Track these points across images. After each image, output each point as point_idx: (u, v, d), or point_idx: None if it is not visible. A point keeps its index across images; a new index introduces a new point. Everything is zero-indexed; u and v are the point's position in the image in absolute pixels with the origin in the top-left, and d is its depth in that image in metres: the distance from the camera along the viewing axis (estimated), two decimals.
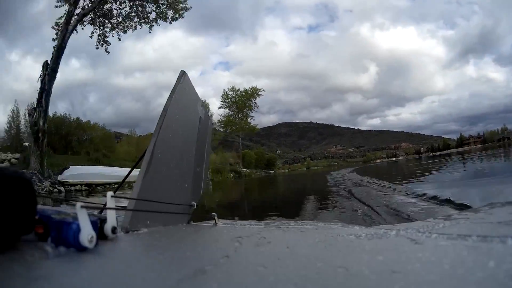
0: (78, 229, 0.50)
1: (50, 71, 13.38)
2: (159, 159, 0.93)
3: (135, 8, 15.63)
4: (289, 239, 0.87)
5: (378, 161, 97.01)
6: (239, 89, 31.53)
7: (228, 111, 32.82)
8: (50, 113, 17.80)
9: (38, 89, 13.19)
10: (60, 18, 14.33)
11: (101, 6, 15.19)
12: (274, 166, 56.64)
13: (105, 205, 0.65)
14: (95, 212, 0.83)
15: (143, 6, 15.70)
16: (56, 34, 14.19)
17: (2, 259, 0.43)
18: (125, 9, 15.60)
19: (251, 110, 32.61)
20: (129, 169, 1.23)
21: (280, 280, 0.41)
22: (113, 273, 0.45)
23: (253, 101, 31.47)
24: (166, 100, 1.02)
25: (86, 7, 14.41)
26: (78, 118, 27.84)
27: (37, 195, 0.49)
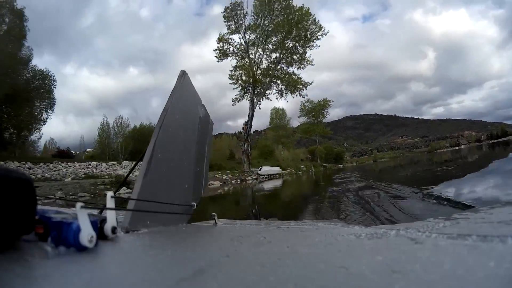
0: (78, 229, 0.50)
1: (249, 124, 22.56)
2: (159, 159, 0.93)
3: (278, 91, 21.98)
4: (289, 239, 0.87)
5: (442, 150, 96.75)
6: (313, 101, 34.82)
7: (306, 119, 36.38)
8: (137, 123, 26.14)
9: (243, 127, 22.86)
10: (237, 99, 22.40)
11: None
12: (342, 160, 58.49)
13: (105, 205, 0.65)
14: (95, 212, 0.83)
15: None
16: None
17: (2, 259, 0.43)
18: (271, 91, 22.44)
19: (324, 117, 36.95)
20: None
21: (280, 280, 0.41)
22: (113, 273, 0.45)
23: (325, 110, 35.01)
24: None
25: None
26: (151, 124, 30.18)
27: (37, 195, 0.49)
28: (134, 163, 1.28)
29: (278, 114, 34.91)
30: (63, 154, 22.52)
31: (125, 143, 27.27)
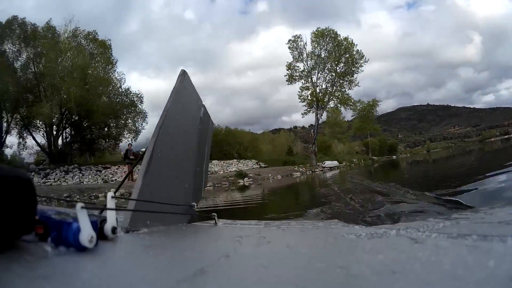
0: (78, 229, 0.50)
1: (316, 132, 27.03)
2: (159, 159, 0.92)
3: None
4: (289, 239, 0.87)
5: (492, 139, 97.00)
6: (363, 101, 36.97)
7: (357, 115, 38.54)
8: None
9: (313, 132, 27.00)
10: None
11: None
12: (396, 151, 59.75)
13: (105, 205, 0.65)
14: (96, 212, 0.83)
15: None
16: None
17: (2, 259, 0.43)
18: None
19: (374, 116, 39.71)
20: None
21: (280, 280, 0.41)
22: (113, 273, 0.45)
23: (375, 109, 37.04)
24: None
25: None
26: (227, 127, 34.38)
27: (37, 195, 0.49)
28: (136, 162, 1.27)
29: (334, 113, 36.98)
30: (137, 157, 23.91)
31: None
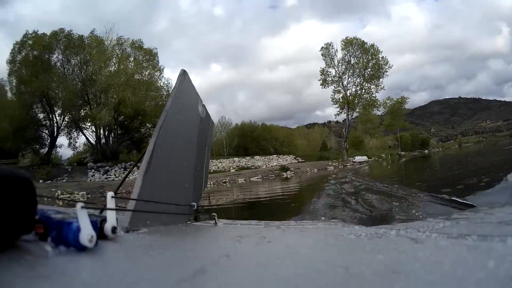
0: (78, 229, 0.50)
1: (347, 131, 28.61)
2: (159, 159, 0.92)
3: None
4: (289, 239, 0.87)
5: None
6: (393, 98, 38.65)
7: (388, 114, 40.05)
8: (238, 121, 33.81)
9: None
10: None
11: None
12: (428, 145, 59.96)
13: (105, 205, 0.65)
14: (96, 212, 0.83)
15: None
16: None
17: (2, 259, 0.43)
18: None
19: (403, 112, 41.29)
20: None
21: (280, 280, 0.41)
22: (113, 273, 0.45)
23: (403, 106, 38.27)
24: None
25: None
26: (263, 123, 37.21)
27: (37, 195, 0.49)
28: (134, 162, 1.28)
29: (365, 110, 37.78)
30: None
31: (229, 140, 32.26)
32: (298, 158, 26.75)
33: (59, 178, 18.58)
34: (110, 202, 0.63)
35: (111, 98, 19.78)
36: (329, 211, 4.98)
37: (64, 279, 0.40)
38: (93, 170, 19.26)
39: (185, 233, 0.95)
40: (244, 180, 14.64)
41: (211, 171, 18.56)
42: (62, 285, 0.38)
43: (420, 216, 3.49)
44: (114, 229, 0.61)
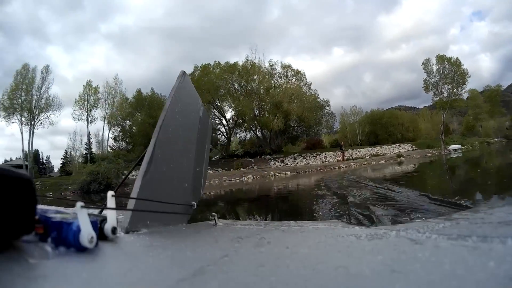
0: (78, 229, 0.50)
1: (443, 125, 32.23)
2: (159, 158, 0.92)
3: None
4: (289, 239, 0.87)
5: None
6: (490, 86, 44.07)
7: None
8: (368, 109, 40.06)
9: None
10: None
11: None
12: None
13: (105, 205, 0.65)
14: (95, 212, 0.83)
15: None
16: None
17: (2, 259, 0.43)
18: None
19: (499, 99, 46.02)
20: None
21: (280, 280, 0.41)
22: (113, 273, 0.45)
23: (499, 93, 43.44)
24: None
25: None
26: (390, 110, 41.68)
27: (37, 195, 0.49)
28: (136, 162, 1.28)
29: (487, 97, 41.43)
30: (315, 145, 31.59)
31: (362, 127, 36.00)
32: (413, 146, 30.19)
33: (249, 167, 24.34)
34: (110, 202, 0.63)
35: (279, 109, 27.26)
36: None
37: (64, 280, 0.40)
38: (272, 160, 26.21)
39: (185, 234, 0.95)
40: (375, 163, 20.76)
41: (368, 155, 25.86)
42: (62, 286, 0.38)
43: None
44: (114, 230, 0.61)
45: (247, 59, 29.23)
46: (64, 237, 0.50)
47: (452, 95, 32.85)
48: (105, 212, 0.64)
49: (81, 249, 0.50)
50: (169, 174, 1.04)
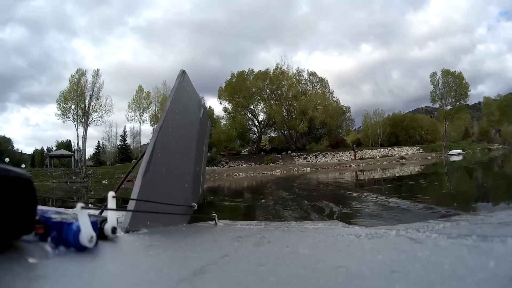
0: (78, 229, 0.50)
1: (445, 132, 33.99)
2: (158, 159, 0.92)
3: None
4: (289, 239, 0.87)
5: None
6: (501, 95, 46.35)
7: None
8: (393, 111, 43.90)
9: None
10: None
11: None
12: None
13: (105, 205, 0.65)
14: (95, 212, 0.83)
15: None
16: None
17: (2, 259, 0.43)
18: None
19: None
20: None
21: (280, 280, 0.41)
22: (113, 273, 0.45)
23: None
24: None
25: None
26: (411, 113, 44.89)
27: (37, 195, 0.49)
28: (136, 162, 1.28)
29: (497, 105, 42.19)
30: (338, 143, 35.27)
31: (383, 128, 39.15)
32: (420, 149, 32.82)
33: (277, 162, 27.93)
34: (111, 202, 0.63)
35: (305, 115, 31.41)
36: None
37: (64, 280, 0.40)
38: (296, 157, 30.11)
39: (185, 234, 0.95)
40: (380, 163, 23.33)
41: (379, 156, 28.80)
42: (62, 286, 0.38)
43: None
44: (114, 230, 0.61)
45: (277, 66, 33.31)
46: (64, 237, 0.50)
47: (455, 107, 35.19)
48: (105, 213, 0.64)
49: (81, 249, 0.50)
50: (169, 175, 1.04)
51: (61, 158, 35.93)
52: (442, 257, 0.47)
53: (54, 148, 42.68)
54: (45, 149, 44.47)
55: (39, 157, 42.59)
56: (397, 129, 39.34)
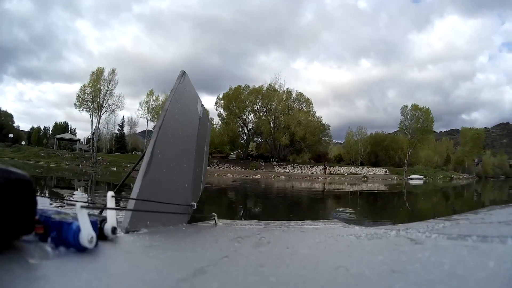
0: (78, 229, 0.50)
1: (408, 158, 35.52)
2: (158, 159, 0.92)
3: None
4: (289, 239, 0.87)
5: None
6: (474, 128, 48.62)
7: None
8: None
9: None
10: None
11: None
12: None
13: (105, 205, 0.65)
14: (95, 212, 0.82)
15: None
16: None
17: (2, 259, 0.43)
18: None
19: (482, 144, 48.21)
20: None
21: (280, 280, 0.41)
22: (113, 273, 0.45)
23: (482, 137, 46.05)
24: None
25: None
26: (390, 135, 45.53)
27: (37, 196, 0.49)
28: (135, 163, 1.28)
29: (470, 136, 43.81)
30: (320, 156, 38.84)
31: (363, 147, 40.68)
32: (388, 171, 35.46)
33: (260, 169, 31.27)
34: (111, 202, 0.63)
35: (288, 129, 34.91)
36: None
37: (64, 280, 0.40)
38: (277, 166, 33.92)
39: (185, 234, 0.95)
40: (344, 179, 25.66)
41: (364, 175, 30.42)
42: (62, 286, 0.38)
43: None
44: (114, 230, 0.61)
45: (270, 84, 37.69)
46: (64, 237, 0.50)
47: (418, 137, 38.35)
48: (105, 213, 0.64)
49: (81, 249, 0.50)
50: (169, 175, 1.04)
51: (66, 141, 37.49)
52: (442, 257, 0.47)
53: (51, 128, 45.45)
54: (42, 128, 46.77)
55: (36, 136, 43.92)
56: (378, 148, 41.09)
